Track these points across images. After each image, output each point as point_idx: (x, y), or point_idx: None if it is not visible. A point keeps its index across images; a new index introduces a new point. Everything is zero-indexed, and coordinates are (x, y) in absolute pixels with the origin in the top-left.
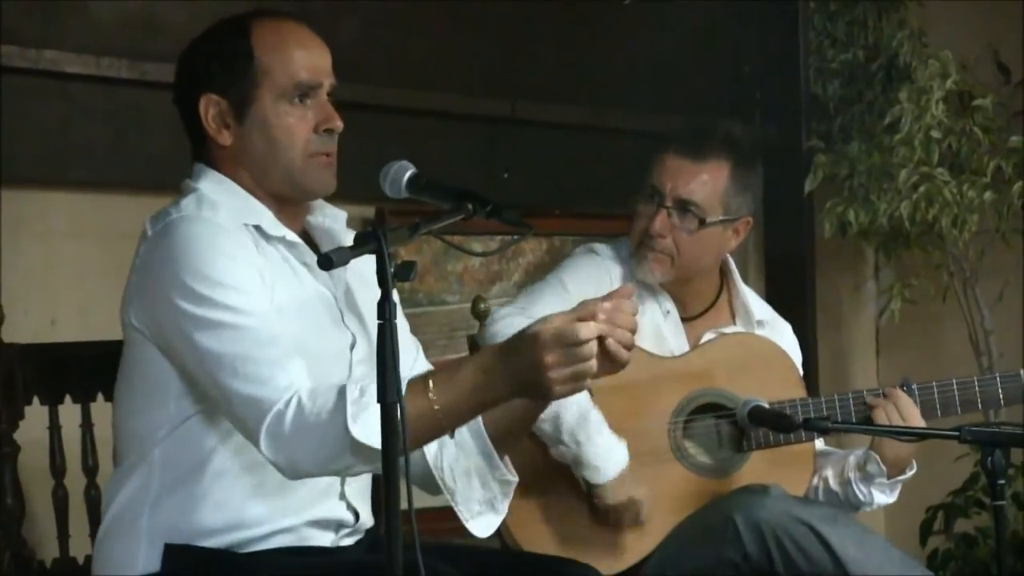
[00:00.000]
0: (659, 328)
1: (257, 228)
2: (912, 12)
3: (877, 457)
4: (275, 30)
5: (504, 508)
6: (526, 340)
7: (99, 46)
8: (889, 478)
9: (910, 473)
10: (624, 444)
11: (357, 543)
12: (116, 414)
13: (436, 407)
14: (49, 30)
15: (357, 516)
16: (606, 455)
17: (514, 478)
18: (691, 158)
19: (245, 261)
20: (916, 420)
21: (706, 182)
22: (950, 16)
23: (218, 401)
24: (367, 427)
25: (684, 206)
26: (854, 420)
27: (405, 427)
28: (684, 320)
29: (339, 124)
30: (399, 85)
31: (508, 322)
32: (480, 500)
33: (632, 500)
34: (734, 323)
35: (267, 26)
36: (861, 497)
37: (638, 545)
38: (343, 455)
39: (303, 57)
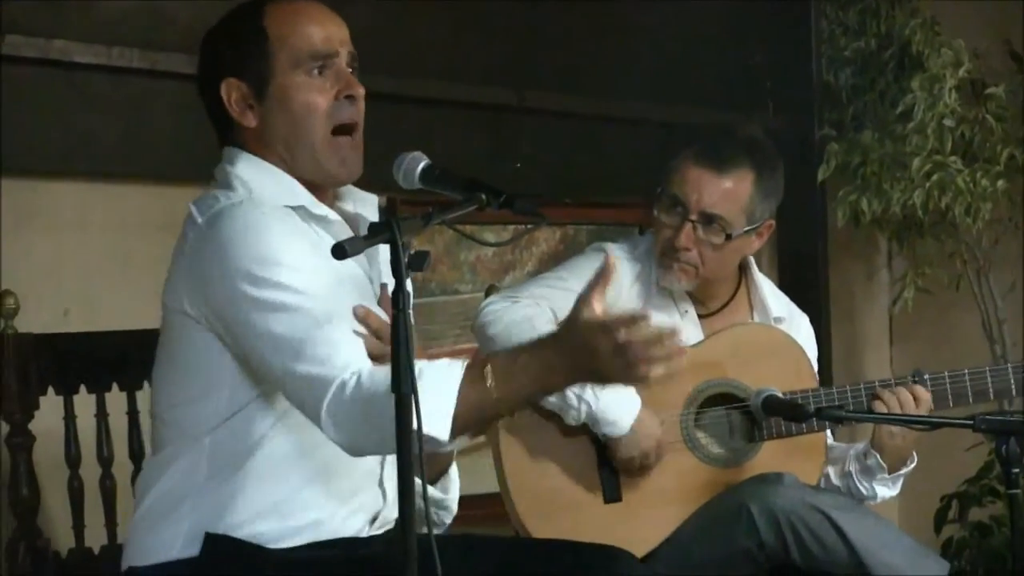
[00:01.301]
0: (675, 327)
1: (299, 209)
2: (924, 1)
3: (876, 454)
4: (286, 7)
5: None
6: (577, 330)
7: (108, 36)
8: (890, 472)
9: (911, 466)
10: (631, 389)
11: (385, 532)
12: (160, 403)
13: (495, 396)
14: (58, 20)
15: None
16: (618, 406)
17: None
18: (714, 169)
19: (300, 239)
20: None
21: (731, 193)
22: (962, 4)
23: (278, 383)
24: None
25: (709, 220)
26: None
27: (420, 418)
28: (702, 317)
29: (360, 90)
30: (407, 75)
31: (494, 308)
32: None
33: (645, 454)
34: (752, 319)
35: (280, 6)
36: (864, 491)
37: (651, 535)
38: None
39: (316, 30)
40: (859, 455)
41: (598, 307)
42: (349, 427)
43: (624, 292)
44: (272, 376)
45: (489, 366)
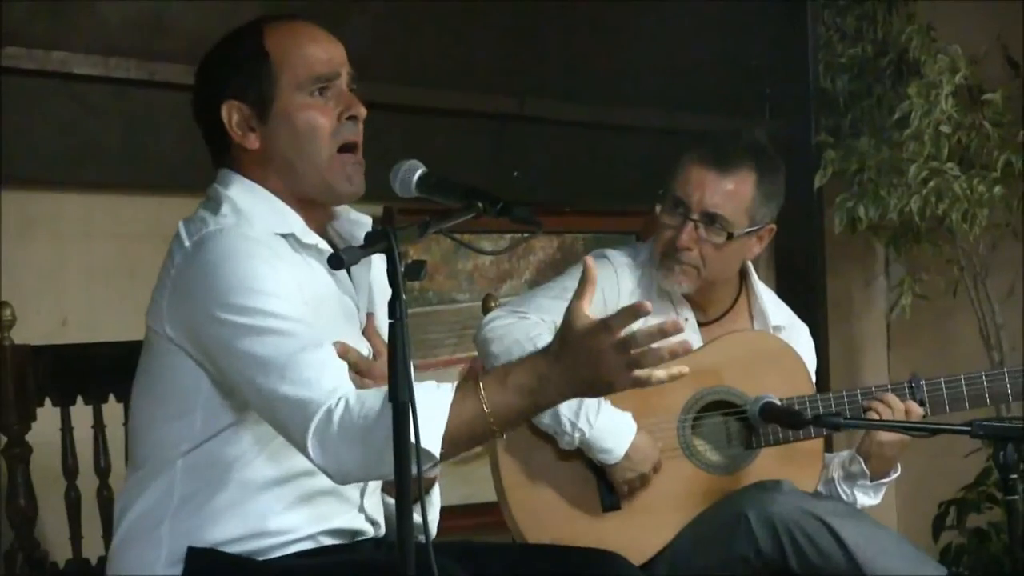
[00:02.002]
0: (678, 323)
1: (289, 237)
2: (921, 7)
3: (861, 459)
4: (286, 30)
5: None
6: (575, 337)
7: (107, 47)
8: (872, 480)
9: (894, 476)
10: (628, 414)
11: (369, 539)
12: (136, 420)
13: (487, 410)
14: (57, 31)
15: (375, 527)
16: (614, 433)
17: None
18: (717, 169)
19: (284, 270)
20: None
21: (733, 194)
22: (958, 11)
23: (262, 408)
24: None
25: (711, 219)
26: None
27: (417, 426)
28: (702, 325)
29: (362, 111)
30: (407, 83)
31: (499, 324)
32: None
33: (643, 476)
34: (752, 327)
35: (278, 27)
36: (844, 497)
37: (650, 542)
38: (389, 459)
39: (317, 51)
40: (844, 461)
41: (588, 313)
42: (336, 454)
43: (624, 298)
44: (257, 399)
45: (482, 382)
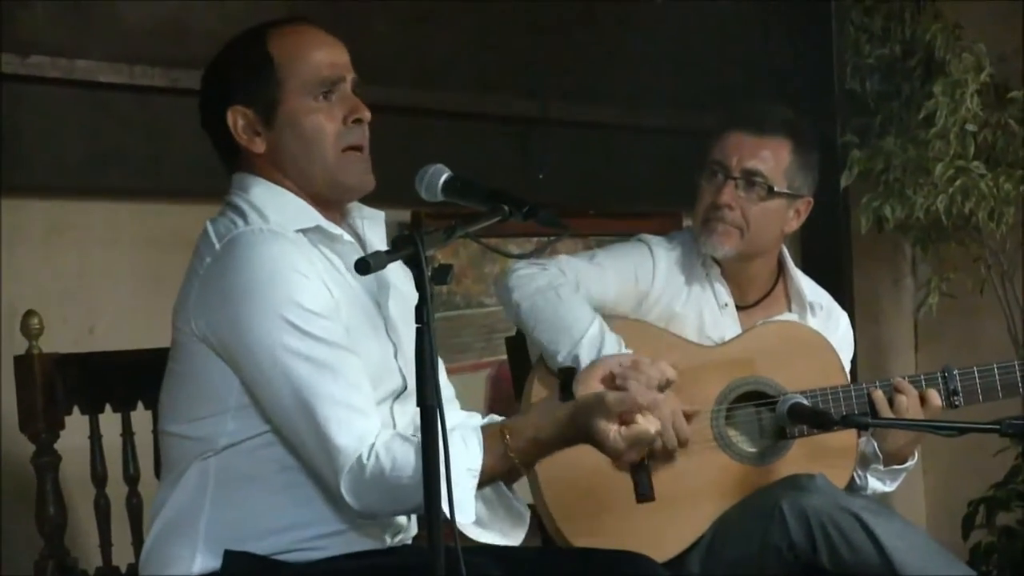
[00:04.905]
0: (704, 318)
1: (314, 230)
2: (947, 6)
3: (874, 443)
4: (290, 34)
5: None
6: (599, 426)
7: (130, 55)
8: (885, 466)
9: (909, 463)
10: None
11: (404, 547)
12: (168, 418)
13: (512, 455)
14: (81, 39)
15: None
16: None
17: (526, 511)
18: (754, 133)
19: (316, 278)
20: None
21: (770, 156)
22: (985, 10)
23: (288, 433)
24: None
25: (750, 177)
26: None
27: (445, 430)
28: (740, 309)
29: (367, 114)
30: (430, 87)
31: (522, 273)
32: (503, 519)
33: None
34: (790, 311)
35: (281, 32)
36: (858, 481)
37: (684, 533)
38: (419, 505)
39: (322, 55)
40: (860, 446)
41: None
42: (368, 501)
43: (660, 280)
44: (282, 423)
45: (507, 431)
